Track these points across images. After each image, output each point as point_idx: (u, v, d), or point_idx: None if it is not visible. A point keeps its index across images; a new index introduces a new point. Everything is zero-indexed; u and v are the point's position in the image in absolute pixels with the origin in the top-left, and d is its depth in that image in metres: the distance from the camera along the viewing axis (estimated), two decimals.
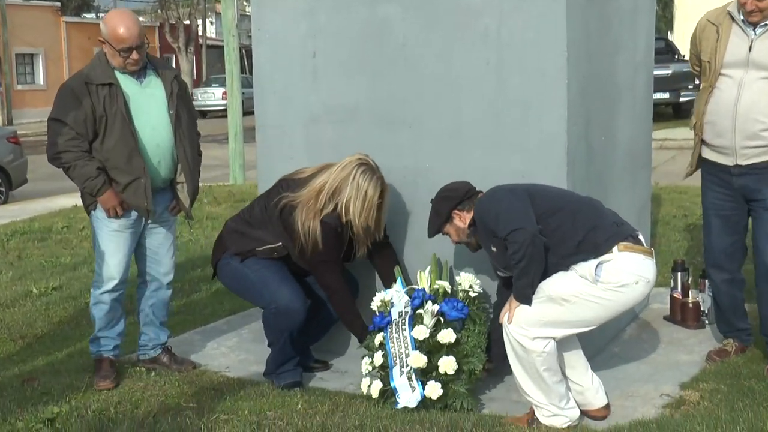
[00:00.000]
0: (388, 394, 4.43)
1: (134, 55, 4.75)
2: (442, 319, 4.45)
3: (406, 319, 4.47)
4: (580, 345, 4.27)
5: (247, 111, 15.57)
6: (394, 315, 4.53)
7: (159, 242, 5.08)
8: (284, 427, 4.15)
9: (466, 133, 4.73)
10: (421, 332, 4.39)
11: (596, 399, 4.27)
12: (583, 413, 4.25)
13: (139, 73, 4.87)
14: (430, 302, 4.50)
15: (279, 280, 4.69)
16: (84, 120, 4.68)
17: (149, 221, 4.97)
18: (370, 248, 4.84)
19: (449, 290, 4.59)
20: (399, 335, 4.45)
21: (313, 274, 4.75)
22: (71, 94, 4.72)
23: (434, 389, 4.34)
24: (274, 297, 4.63)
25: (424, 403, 4.34)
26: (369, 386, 4.51)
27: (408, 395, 4.37)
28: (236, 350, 5.55)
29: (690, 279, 5.81)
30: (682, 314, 5.66)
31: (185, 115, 4.98)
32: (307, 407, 4.43)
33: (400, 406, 4.36)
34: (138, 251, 5.08)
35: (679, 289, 5.74)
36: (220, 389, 4.76)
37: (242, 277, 4.78)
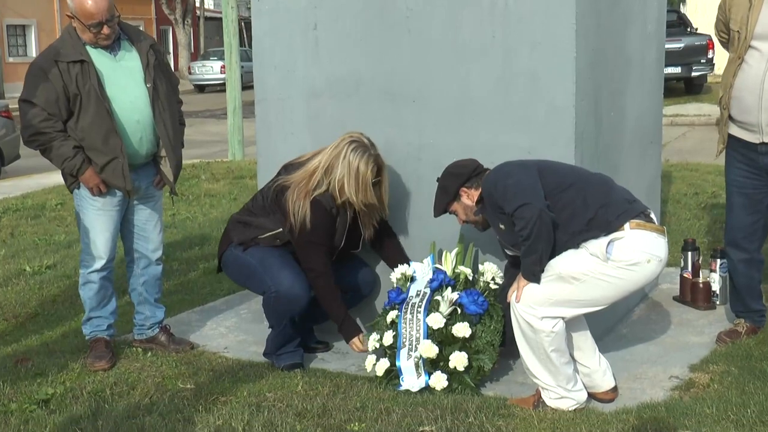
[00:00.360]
0: (393, 375, 4.44)
1: (105, 30, 4.66)
2: (459, 310, 4.44)
3: (424, 301, 4.47)
4: (588, 326, 4.28)
5: (246, 85, 15.60)
6: (412, 292, 4.53)
7: (145, 218, 5.06)
8: (284, 409, 4.16)
9: (471, 107, 4.72)
10: (436, 321, 4.38)
11: (604, 381, 4.28)
12: (591, 396, 4.26)
13: (112, 46, 4.77)
14: (449, 289, 4.49)
15: (280, 265, 4.69)
16: (56, 100, 4.61)
17: (134, 199, 4.94)
18: (377, 228, 4.84)
19: (471, 278, 4.58)
20: (413, 317, 4.45)
21: (298, 255, 4.73)
22: (41, 73, 4.64)
23: (440, 380, 4.35)
24: (275, 282, 4.63)
25: (430, 390, 4.35)
26: (374, 364, 4.52)
27: (412, 380, 4.39)
28: (235, 331, 5.56)
29: (701, 258, 5.81)
30: (692, 294, 5.66)
31: (164, 86, 4.90)
32: (308, 389, 4.45)
33: (402, 388, 4.37)
34: (124, 228, 5.05)
35: (690, 268, 5.74)
36: (219, 370, 4.77)
37: (244, 265, 4.79)
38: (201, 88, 35.69)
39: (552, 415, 4.03)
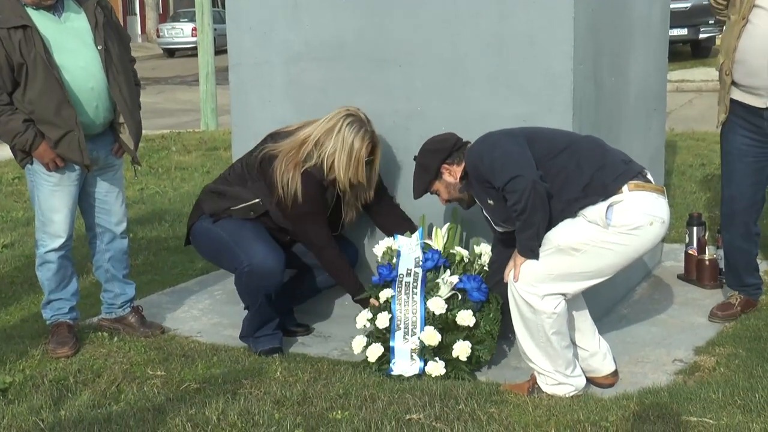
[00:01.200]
0: (384, 360, 4.46)
1: None
2: (459, 296, 4.46)
3: (419, 282, 4.48)
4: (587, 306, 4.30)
5: (220, 49, 15.49)
6: (401, 270, 4.54)
7: (106, 190, 5.03)
8: (261, 397, 4.17)
9: (463, 72, 4.71)
10: (438, 306, 4.40)
11: (603, 365, 4.31)
12: (589, 381, 4.29)
13: (55, 7, 4.69)
14: (448, 272, 4.52)
15: (253, 238, 4.68)
16: None
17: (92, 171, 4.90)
18: (360, 211, 4.84)
19: (466, 260, 4.59)
20: (409, 299, 4.46)
21: (294, 232, 4.73)
22: None
23: (436, 368, 4.37)
24: (247, 256, 4.62)
25: (420, 376, 4.38)
26: (365, 347, 4.51)
27: (405, 364, 4.41)
28: (209, 313, 5.57)
29: (707, 234, 5.84)
30: (697, 272, 5.69)
31: (116, 46, 4.83)
32: (287, 375, 4.46)
33: (393, 372, 4.39)
34: (84, 202, 5.02)
35: (695, 245, 5.77)
36: (191, 356, 4.78)
37: (214, 238, 4.78)
38: (171, 53, 35.51)
39: (548, 402, 4.05)
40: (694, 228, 5.79)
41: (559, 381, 4.14)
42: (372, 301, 4.61)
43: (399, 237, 4.69)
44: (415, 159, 4.45)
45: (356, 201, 4.80)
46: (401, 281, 4.50)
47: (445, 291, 4.45)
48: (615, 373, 4.35)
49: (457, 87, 4.74)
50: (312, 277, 4.99)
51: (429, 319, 4.40)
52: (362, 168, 4.63)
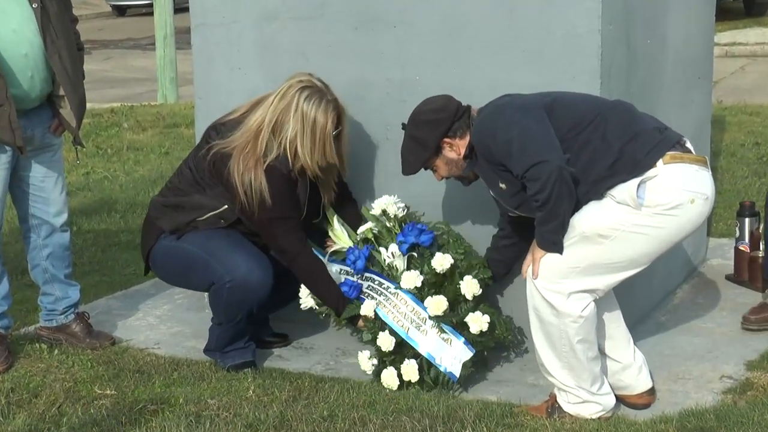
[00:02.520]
0: (428, 372, 4.49)
1: None
2: (415, 254, 4.57)
3: (377, 277, 4.58)
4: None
5: (180, 7, 15.48)
6: (350, 278, 4.71)
7: (43, 174, 5.03)
8: (231, 419, 4.19)
9: (467, 34, 4.72)
10: (412, 279, 4.50)
11: (638, 381, 4.33)
12: (620, 400, 4.31)
13: None
14: (382, 249, 4.62)
15: (230, 247, 4.69)
16: None
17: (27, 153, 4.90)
18: (336, 191, 4.85)
19: (375, 229, 4.71)
20: (386, 295, 4.55)
21: (263, 239, 4.73)
22: None
23: (477, 320, 4.47)
24: (228, 269, 4.62)
25: (473, 340, 4.48)
26: (389, 376, 4.53)
27: (449, 354, 4.47)
28: (167, 321, 5.59)
29: (761, 226, 5.84)
30: (750, 272, 5.71)
31: (54, 3, 4.82)
32: (261, 394, 4.48)
33: (451, 370, 4.45)
34: (15, 188, 5.02)
35: (747, 239, 5.78)
36: (147, 371, 4.80)
37: (182, 255, 4.76)
38: (121, 11, 35.37)
39: (571, 425, 4.08)
40: (746, 219, 5.79)
41: (583, 399, 4.15)
42: (361, 322, 4.67)
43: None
44: (404, 128, 4.41)
45: (332, 178, 4.80)
46: (371, 291, 4.60)
47: (401, 263, 4.55)
48: (652, 391, 4.37)
49: (460, 52, 4.74)
50: (292, 281, 4.98)
51: (417, 294, 4.50)
52: (330, 146, 4.62)
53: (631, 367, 4.31)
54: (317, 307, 4.77)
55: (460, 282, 4.51)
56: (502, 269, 4.67)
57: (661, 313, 5.37)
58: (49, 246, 5.13)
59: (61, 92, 4.89)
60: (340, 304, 4.68)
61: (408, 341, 4.50)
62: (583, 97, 4.26)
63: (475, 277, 4.52)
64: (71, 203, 7.46)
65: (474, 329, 4.47)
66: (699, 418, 4.08)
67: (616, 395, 4.28)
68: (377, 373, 4.59)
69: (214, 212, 4.73)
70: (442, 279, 4.53)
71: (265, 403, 4.37)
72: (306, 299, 4.80)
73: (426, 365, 4.50)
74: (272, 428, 4.11)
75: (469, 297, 4.51)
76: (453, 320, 4.48)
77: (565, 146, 3.95)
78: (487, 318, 4.49)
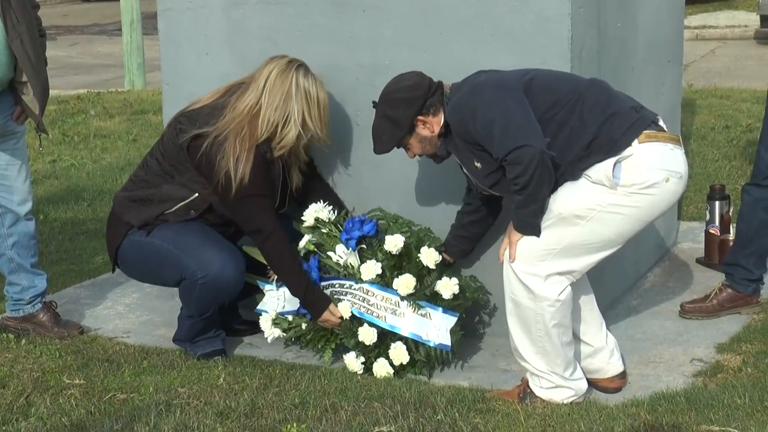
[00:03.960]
0: (417, 351, 4.52)
1: None
2: (364, 246, 4.61)
3: (336, 280, 4.62)
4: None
5: None
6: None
7: (6, 162, 5.01)
8: (201, 408, 4.18)
9: (439, 17, 4.72)
10: (371, 269, 4.52)
11: (610, 365, 4.36)
12: (592, 384, 4.34)
13: None
14: (331, 254, 4.64)
15: (201, 242, 4.67)
16: None
17: None
18: (306, 172, 4.87)
19: (314, 241, 4.71)
20: (352, 291, 4.56)
21: (237, 219, 4.71)
22: None
23: (447, 286, 4.51)
24: (200, 264, 4.61)
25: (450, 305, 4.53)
26: (382, 366, 4.54)
27: (433, 328, 4.49)
28: (137, 309, 5.58)
29: (731, 209, 5.87)
30: (720, 255, 5.73)
31: None
32: (232, 381, 4.48)
33: (437, 342, 4.48)
34: None
35: (717, 223, 5.81)
36: (116, 360, 4.79)
37: (152, 252, 4.73)
38: None
39: (543, 410, 4.10)
40: (716, 203, 5.82)
41: (556, 384, 4.18)
42: (326, 317, 4.61)
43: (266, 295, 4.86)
44: (374, 106, 4.37)
45: (298, 163, 4.81)
46: (332, 296, 4.64)
47: (354, 260, 4.59)
48: (623, 375, 4.40)
49: (431, 35, 4.74)
50: (261, 268, 4.98)
51: (381, 282, 4.53)
52: (328, 118, 4.70)
53: (603, 350, 4.34)
54: (284, 334, 4.75)
55: (419, 255, 4.53)
56: (467, 245, 4.67)
57: (632, 297, 5.40)
58: (14, 235, 5.10)
59: (24, 78, 4.85)
60: (308, 293, 4.62)
61: (390, 329, 4.51)
62: (559, 75, 4.27)
63: (429, 246, 4.56)
64: (38, 191, 7.46)
65: (446, 295, 4.50)
66: (670, 401, 4.11)
67: (587, 379, 4.30)
68: (368, 369, 4.58)
69: (184, 202, 4.71)
70: (400, 259, 4.55)
71: (236, 391, 4.37)
72: (270, 330, 4.77)
73: (413, 345, 4.51)
74: (243, 416, 4.10)
75: (432, 266, 4.53)
76: (426, 292, 4.51)
77: (542, 126, 3.95)
78: (455, 281, 4.53)
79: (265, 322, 4.77)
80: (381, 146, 4.37)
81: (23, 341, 5.03)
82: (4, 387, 4.50)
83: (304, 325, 4.67)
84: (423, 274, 4.54)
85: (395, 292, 4.49)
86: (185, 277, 4.66)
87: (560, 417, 4.02)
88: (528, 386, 4.22)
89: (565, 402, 4.18)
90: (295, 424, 3.98)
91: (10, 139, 4.99)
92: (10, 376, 4.61)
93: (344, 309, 4.57)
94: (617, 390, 4.34)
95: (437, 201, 4.84)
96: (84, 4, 33.34)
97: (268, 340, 4.78)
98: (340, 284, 4.62)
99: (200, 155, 4.58)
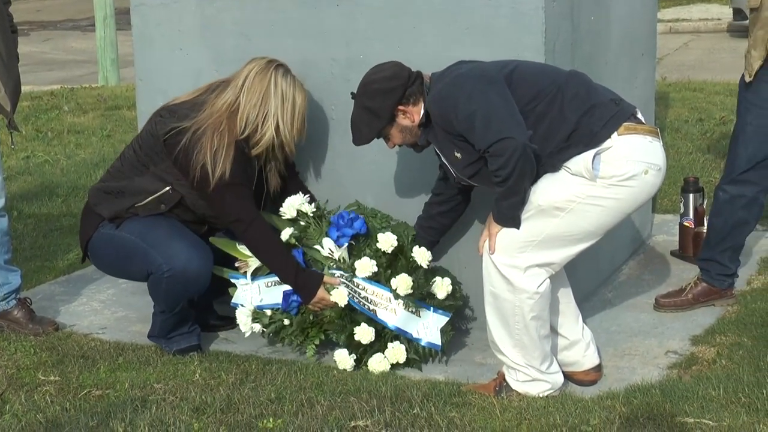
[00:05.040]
0: (410, 351, 4.53)
1: None
2: (353, 243, 4.60)
3: (334, 273, 4.59)
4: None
5: None
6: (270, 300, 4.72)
7: None
8: (177, 403, 4.18)
9: (413, 11, 4.72)
10: (367, 267, 4.51)
11: (585, 358, 4.37)
12: (568, 377, 4.35)
13: None
14: (317, 247, 4.64)
15: (168, 235, 4.66)
16: None
17: None
18: (285, 176, 4.85)
19: (295, 237, 4.68)
20: (348, 286, 4.54)
21: (215, 212, 4.69)
22: None
23: (442, 286, 4.55)
24: (166, 258, 4.59)
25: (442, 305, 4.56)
26: (380, 362, 4.53)
27: (423, 326, 4.52)
28: (112, 305, 5.56)
29: (705, 202, 5.89)
30: (694, 248, 5.75)
31: None
32: (208, 377, 4.47)
33: (438, 342, 4.51)
34: None
35: (691, 215, 5.83)
36: (92, 357, 4.77)
37: (120, 245, 4.73)
38: None
39: (519, 403, 4.10)
40: (690, 195, 5.85)
41: (532, 377, 4.18)
42: (321, 296, 4.56)
43: (238, 290, 4.81)
44: (353, 97, 4.36)
45: (277, 165, 4.80)
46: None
47: (343, 254, 4.60)
48: (598, 368, 4.41)
49: (405, 29, 4.75)
50: (231, 261, 4.96)
51: (374, 279, 4.53)
52: (305, 123, 4.69)
53: (579, 343, 4.35)
54: (265, 329, 4.71)
55: (412, 255, 4.55)
56: (435, 236, 4.67)
57: (607, 289, 5.42)
58: None
59: None
60: (299, 275, 4.58)
61: (378, 321, 4.51)
62: (540, 67, 4.28)
63: (412, 243, 4.59)
64: (11, 188, 7.42)
65: (441, 295, 4.54)
66: (645, 394, 4.12)
67: (563, 372, 4.31)
68: (360, 366, 4.57)
69: (154, 196, 4.69)
70: (393, 257, 4.55)
71: (212, 387, 4.36)
72: (248, 325, 4.72)
73: (408, 344, 4.52)
74: (219, 411, 4.10)
75: (425, 265, 4.55)
76: (422, 292, 4.53)
77: (523, 118, 3.96)
78: (448, 281, 4.57)
79: (242, 316, 4.74)
80: (360, 137, 4.35)
81: None
82: None
83: (286, 321, 4.65)
84: (412, 271, 4.55)
85: (388, 288, 4.49)
86: (152, 271, 4.65)
87: (536, 410, 4.03)
88: (504, 379, 4.23)
89: (541, 395, 4.18)
90: (271, 419, 3.99)
91: None
92: None
93: (341, 296, 4.53)
94: (593, 383, 4.36)
95: (414, 193, 4.83)
96: None
97: (246, 334, 4.76)
98: (330, 274, 4.60)
99: (178, 150, 4.57)
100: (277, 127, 4.61)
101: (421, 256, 4.55)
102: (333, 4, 4.88)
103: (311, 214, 4.74)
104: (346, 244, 4.61)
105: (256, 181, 4.77)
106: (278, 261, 4.65)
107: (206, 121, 4.58)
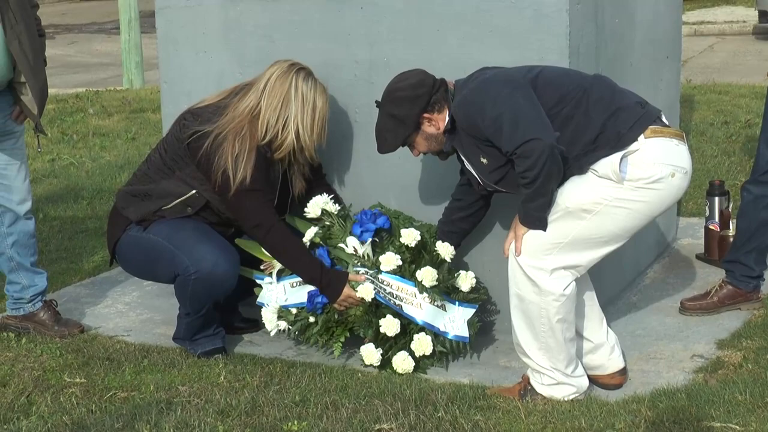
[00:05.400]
0: (436, 344, 4.53)
1: None
2: (376, 240, 4.62)
3: (358, 270, 4.57)
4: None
5: None
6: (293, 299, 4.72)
7: (5, 162, 5.00)
8: (202, 406, 4.18)
9: (435, 13, 4.72)
10: (391, 260, 4.52)
11: (610, 361, 4.35)
12: (592, 380, 4.33)
13: None
14: (341, 245, 4.63)
15: (196, 238, 4.67)
16: None
17: None
18: (311, 179, 4.85)
19: (320, 236, 4.69)
20: (373, 282, 4.54)
21: (236, 216, 4.70)
22: None
23: (466, 279, 4.59)
24: (193, 260, 4.60)
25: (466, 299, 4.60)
26: (404, 360, 4.52)
27: (449, 320, 4.53)
28: (137, 308, 5.57)
29: (731, 205, 5.87)
30: (720, 251, 5.73)
31: None
32: (233, 379, 4.48)
33: (465, 334, 4.53)
34: None
35: (717, 218, 5.81)
36: (117, 359, 4.78)
37: (148, 248, 4.74)
38: None
39: (543, 407, 4.10)
40: (716, 199, 5.83)
41: (557, 381, 4.17)
42: (347, 294, 4.54)
43: (264, 292, 4.82)
44: (377, 105, 4.36)
45: (302, 170, 4.81)
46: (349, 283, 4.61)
47: (369, 251, 4.59)
48: (623, 372, 4.39)
49: (428, 31, 4.74)
50: (256, 262, 4.97)
51: (399, 273, 4.54)
52: (325, 128, 4.67)
53: (603, 346, 4.34)
54: (291, 326, 4.70)
55: (436, 249, 4.57)
56: (456, 240, 4.66)
57: (632, 293, 5.40)
58: (13, 234, 5.10)
59: (22, 79, 4.85)
60: (324, 275, 4.57)
61: (406, 316, 4.51)
62: (564, 71, 4.28)
63: (432, 237, 4.63)
64: (37, 190, 7.45)
65: (465, 288, 4.57)
66: (671, 398, 4.10)
67: (588, 376, 4.30)
68: (386, 362, 4.56)
69: (180, 199, 4.71)
70: (417, 252, 4.55)
71: (237, 389, 4.36)
72: (274, 323, 4.72)
73: (434, 336, 4.52)
74: (244, 414, 4.10)
75: (448, 259, 4.57)
76: (447, 285, 4.54)
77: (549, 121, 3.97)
78: (472, 274, 4.61)
79: (268, 314, 4.74)
80: (386, 145, 4.36)
81: (24, 340, 5.03)
82: (5, 386, 4.50)
83: (312, 319, 4.64)
84: (435, 266, 4.56)
85: (413, 283, 4.50)
86: (178, 273, 4.66)
87: (561, 414, 4.02)
88: (529, 383, 4.22)
89: (566, 399, 4.17)
90: (295, 422, 3.99)
91: (9, 139, 4.98)
92: (10, 375, 4.61)
93: (367, 291, 4.52)
94: (618, 386, 4.34)
95: (435, 197, 4.83)
96: (82, 2, 33.36)
97: (272, 333, 4.76)
98: (355, 271, 4.59)
99: (201, 154, 4.58)
100: (297, 132, 4.61)
101: (445, 250, 4.56)
102: (356, 7, 4.88)
103: (336, 213, 4.74)
104: (370, 239, 4.60)
105: (281, 184, 4.77)
106: (301, 263, 4.65)
107: (228, 125, 4.59)
